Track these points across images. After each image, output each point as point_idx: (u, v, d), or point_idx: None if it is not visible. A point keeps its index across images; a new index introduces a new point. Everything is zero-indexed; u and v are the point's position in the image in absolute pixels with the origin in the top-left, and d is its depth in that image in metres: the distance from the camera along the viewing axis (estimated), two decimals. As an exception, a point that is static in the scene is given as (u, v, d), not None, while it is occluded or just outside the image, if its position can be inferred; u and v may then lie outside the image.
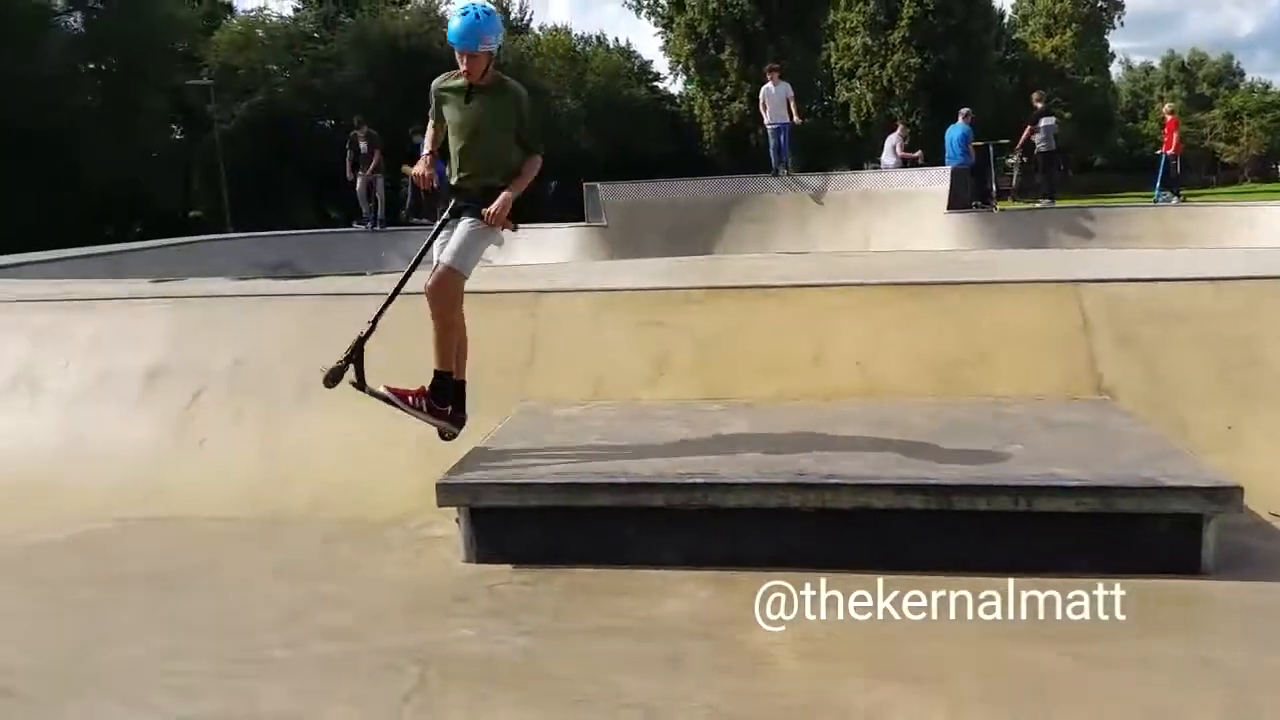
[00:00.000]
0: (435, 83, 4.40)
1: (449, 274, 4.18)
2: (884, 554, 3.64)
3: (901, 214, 15.34)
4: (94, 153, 26.43)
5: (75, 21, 32.55)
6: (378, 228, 16.00)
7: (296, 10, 33.56)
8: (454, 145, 4.32)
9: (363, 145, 15.87)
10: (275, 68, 29.59)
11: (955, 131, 15.87)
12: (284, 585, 3.87)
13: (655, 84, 54.12)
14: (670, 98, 53.60)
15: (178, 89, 31.77)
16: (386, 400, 4.28)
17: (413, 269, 4.30)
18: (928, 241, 13.88)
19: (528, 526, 3.93)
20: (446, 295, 4.21)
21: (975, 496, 3.63)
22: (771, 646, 3.16)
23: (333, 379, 4.24)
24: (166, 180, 29.33)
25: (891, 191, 16.03)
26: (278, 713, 2.91)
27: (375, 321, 4.18)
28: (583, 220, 16.86)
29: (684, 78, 52.43)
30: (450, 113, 4.31)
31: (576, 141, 39.66)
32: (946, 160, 16.03)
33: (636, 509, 3.84)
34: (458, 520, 4.04)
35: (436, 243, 4.31)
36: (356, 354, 4.18)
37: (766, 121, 16.33)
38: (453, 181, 4.35)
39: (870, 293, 5.62)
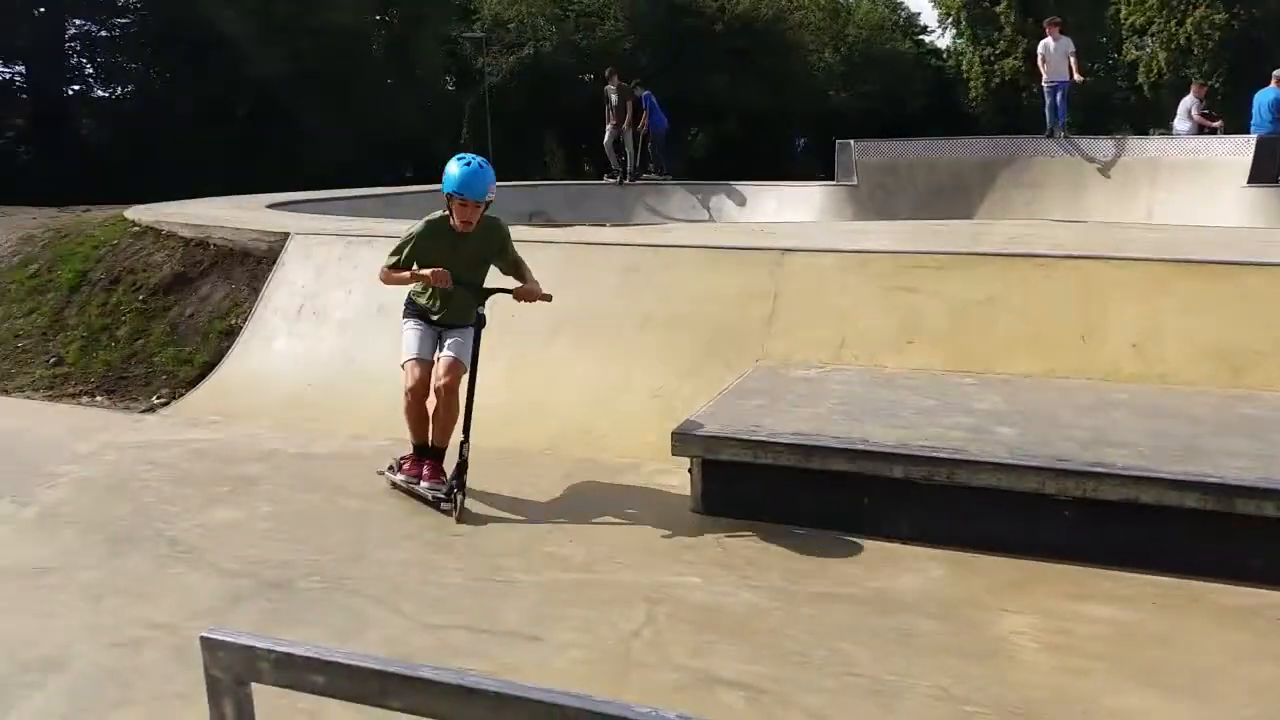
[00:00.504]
0: (421, 229, 4.35)
1: (459, 365, 4.28)
2: (1149, 553, 3.34)
3: (1193, 186, 13.77)
4: (380, 100, 28.70)
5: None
6: (626, 181, 16.28)
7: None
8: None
9: (613, 98, 16.08)
10: (543, 21, 30.70)
11: (1266, 96, 14.02)
12: (524, 510, 4.08)
13: (921, 37, 51.59)
14: (936, 52, 50.91)
15: (452, 40, 33.77)
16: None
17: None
18: (1221, 217, 12.39)
19: (759, 483, 3.91)
20: (459, 383, 4.28)
21: (1262, 500, 3.23)
22: (1012, 635, 2.98)
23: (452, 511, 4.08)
24: (440, 129, 31.31)
25: (1184, 160, 14.39)
26: (517, 631, 3.07)
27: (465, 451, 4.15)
28: (832, 179, 16.41)
29: (953, 31, 49.59)
30: (440, 254, 4.24)
31: (830, 97, 38.65)
32: (1252, 128, 14.23)
33: (874, 478, 3.72)
34: (690, 470, 4.09)
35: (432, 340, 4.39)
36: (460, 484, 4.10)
37: (1044, 79, 15.17)
38: (435, 316, 4.41)
39: (1153, 269, 5.08)
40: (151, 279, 7.22)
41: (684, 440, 3.99)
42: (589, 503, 4.20)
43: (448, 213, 4.28)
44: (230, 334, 6.53)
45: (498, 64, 31.05)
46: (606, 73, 17.00)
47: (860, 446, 3.75)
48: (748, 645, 2.95)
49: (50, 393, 6.37)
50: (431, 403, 4.31)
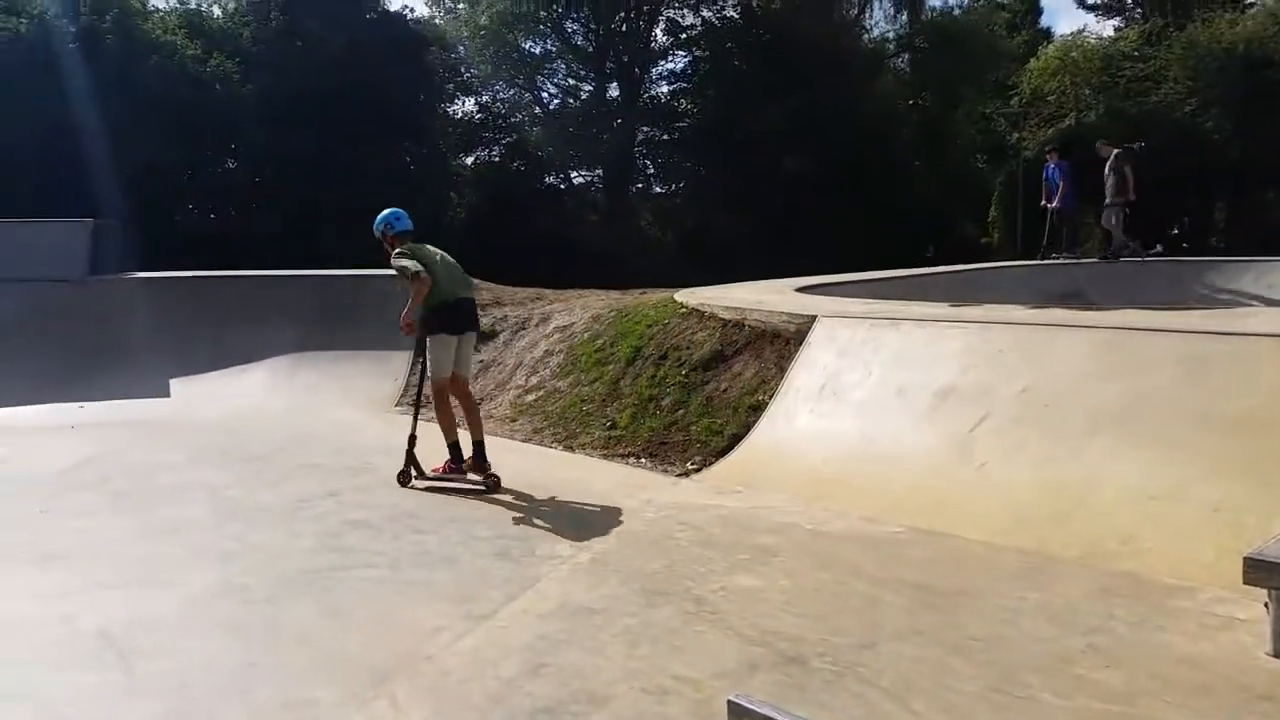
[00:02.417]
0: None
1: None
2: None
3: None
4: (906, 182, 29.18)
5: (902, 62, 36.23)
6: (1064, 256, 14.59)
7: (1118, 30, 32.42)
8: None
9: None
10: (1088, 91, 28.92)
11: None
12: (1051, 627, 3.71)
13: None
14: None
15: (986, 118, 33.20)
16: (437, 479, 6.32)
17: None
18: None
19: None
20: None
21: None
22: None
23: (403, 481, 6.34)
24: (966, 208, 30.87)
25: None
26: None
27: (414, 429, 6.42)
28: None
29: None
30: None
31: None
32: None
33: None
34: (1266, 604, 3.42)
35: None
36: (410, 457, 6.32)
37: None
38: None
39: None
40: (693, 355, 7.97)
41: (1261, 567, 3.34)
42: (1129, 623, 3.69)
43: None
44: (757, 409, 6.94)
45: (1034, 137, 29.82)
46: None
47: None
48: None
49: (605, 451, 7.29)
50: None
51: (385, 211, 6.81)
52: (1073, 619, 3.76)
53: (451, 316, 6.33)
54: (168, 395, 10.32)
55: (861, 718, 3.03)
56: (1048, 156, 14.91)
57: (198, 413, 9.51)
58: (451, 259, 6.60)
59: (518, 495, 6.03)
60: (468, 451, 6.35)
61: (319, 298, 11.51)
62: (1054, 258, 14.94)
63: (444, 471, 6.34)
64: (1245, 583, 3.39)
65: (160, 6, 26.13)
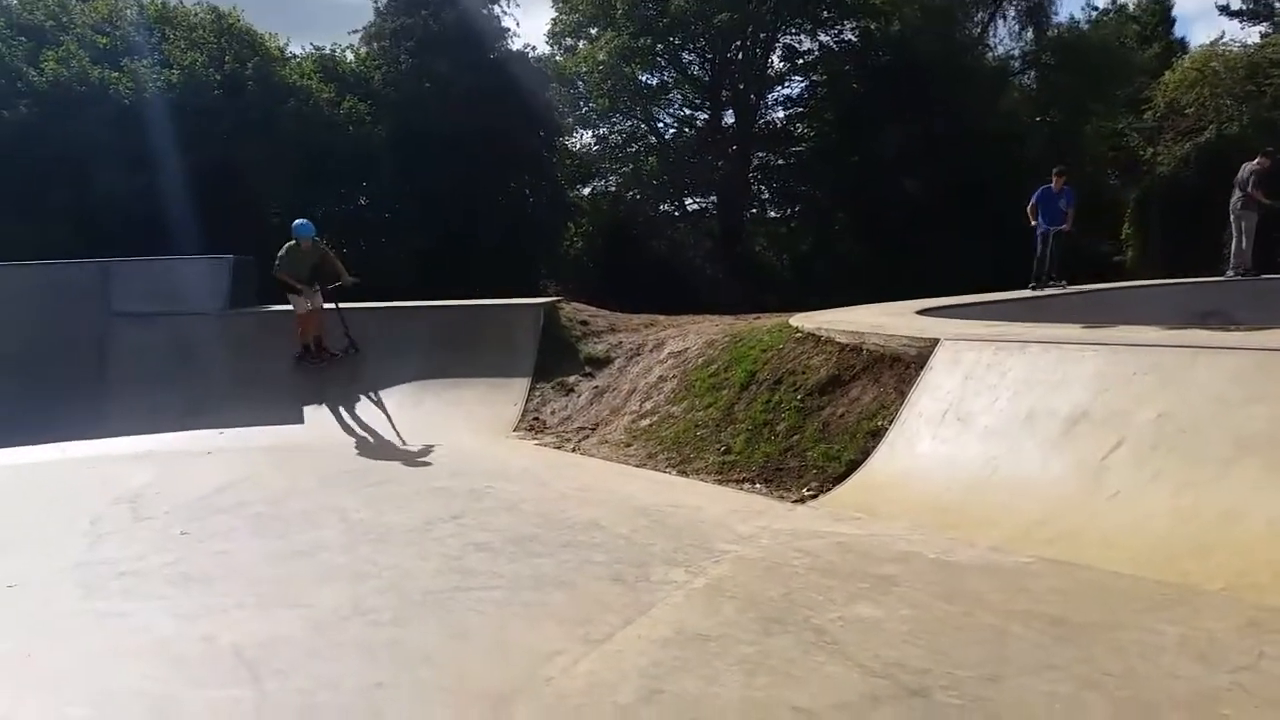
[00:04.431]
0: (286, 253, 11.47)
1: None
2: None
3: None
4: (1023, 200, 28.21)
5: (1028, 79, 35.17)
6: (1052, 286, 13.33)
7: (1264, 36, 30.64)
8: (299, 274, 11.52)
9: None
10: (1229, 102, 27.43)
11: None
12: (1193, 664, 3.50)
13: None
14: None
15: (1118, 134, 31.86)
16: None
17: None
18: None
19: None
20: None
21: None
22: None
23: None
24: (1098, 226, 29.63)
25: None
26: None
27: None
28: None
29: None
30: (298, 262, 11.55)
31: None
32: None
33: None
34: None
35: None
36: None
37: None
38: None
39: None
40: (809, 380, 7.89)
41: None
42: (1281, 663, 3.46)
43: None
44: (876, 435, 6.81)
45: (1169, 152, 28.47)
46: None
47: None
48: None
49: (719, 477, 7.27)
50: None
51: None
52: (1218, 655, 3.54)
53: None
54: (301, 422, 10.80)
55: (987, 754, 2.92)
56: (1055, 178, 13.36)
57: (329, 440, 9.92)
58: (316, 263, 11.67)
59: (632, 520, 6.06)
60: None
61: (442, 328, 11.88)
62: (1050, 285, 13.48)
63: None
64: None
65: (297, 53, 27.60)
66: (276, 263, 11.45)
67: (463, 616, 4.40)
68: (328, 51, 28.27)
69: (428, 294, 15.58)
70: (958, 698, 3.31)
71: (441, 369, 11.12)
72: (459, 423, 10.11)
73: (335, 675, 3.81)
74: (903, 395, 6.95)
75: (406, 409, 10.76)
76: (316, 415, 10.96)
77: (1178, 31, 40.62)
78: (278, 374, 11.61)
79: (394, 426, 10.21)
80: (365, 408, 10.96)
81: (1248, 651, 3.56)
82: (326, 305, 11.88)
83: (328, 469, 8.29)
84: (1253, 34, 32.22)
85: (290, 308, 11.83)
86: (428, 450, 8.91)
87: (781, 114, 35.16)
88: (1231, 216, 14.16)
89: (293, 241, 11.47)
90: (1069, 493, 5.26)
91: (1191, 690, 3.28)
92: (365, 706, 3.52)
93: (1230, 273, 14.60)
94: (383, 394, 11.11)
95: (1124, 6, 38.54)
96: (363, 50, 28.96)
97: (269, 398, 11.08)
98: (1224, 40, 30.96)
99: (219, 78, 22.73)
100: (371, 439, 9.91)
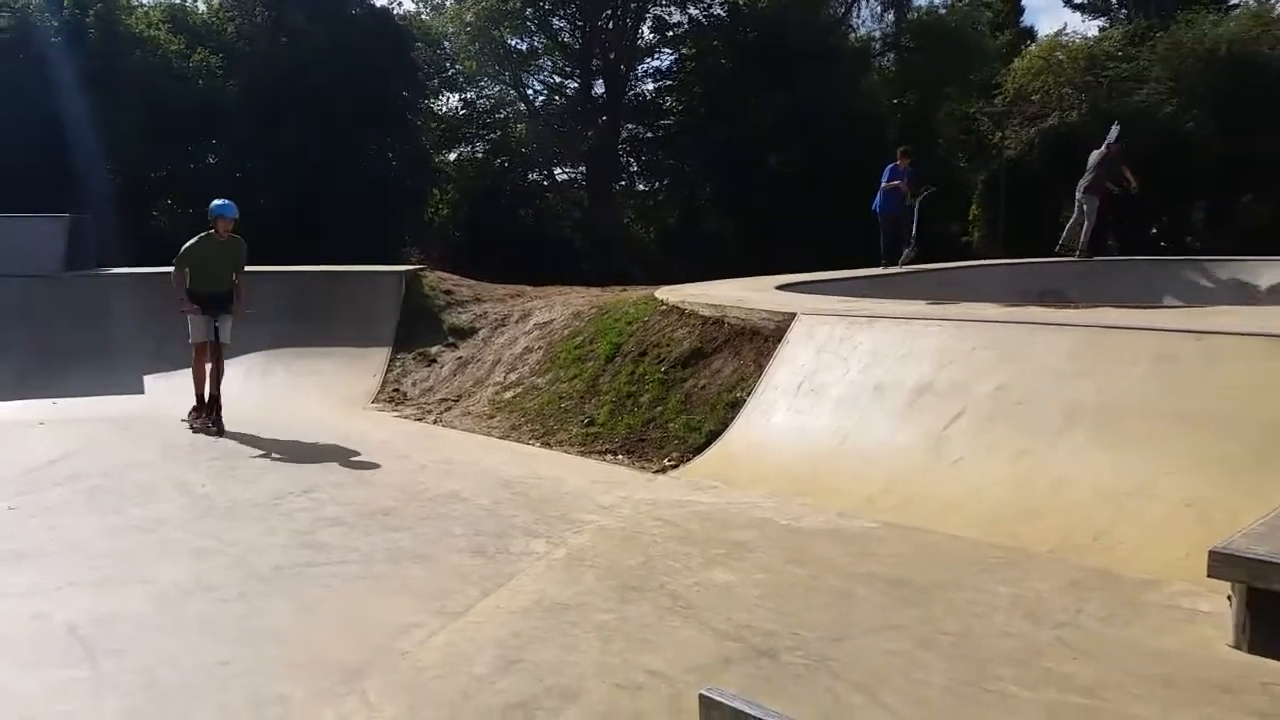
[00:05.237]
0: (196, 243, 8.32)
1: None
2: None
3: None
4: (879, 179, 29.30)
5: (888, 61, 36.29)
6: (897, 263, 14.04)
7: (1102, 30, 32.57)
8: (207, 275, 8.37)
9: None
10: (1070, 91, 29.04)
11: None
12: (1022, 621, 3.73)
13: None
14: None
15: (969, 117, 33.27)
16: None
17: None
18: None
19: (1328, 627, 3.17)
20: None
21: None
22: None
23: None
24: (948, 206, 30.95)
25: None
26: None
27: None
28: None
29: None
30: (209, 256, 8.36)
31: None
32: None
33: None
34: (1229, 598, 3.45)
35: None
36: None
37: None
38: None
39: None
40: (673, 353, 7.98)
41: (1225, 561, 3.37)
42: (1098, 617, 3.72)
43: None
44: (735, 406, 6.95)
45: (1016, 137, 29.97)
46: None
47: None
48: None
49: (582, 448, 7.29)
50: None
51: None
52: (1043, 613, 3.79)
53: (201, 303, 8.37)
54: (142, 392, 10.25)
55: (831, 711, 3.04)
56: (901, 157, 13.77)
57: (171, 410, 9.44)
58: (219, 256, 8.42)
59: (494, 493, 6.02)
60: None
61: (295, 294, 11.43)
62: (905, 257, 14.05)
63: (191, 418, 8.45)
64: (1209, 576, 3.43)
65: (144, 1, 25.91)
66: (178, 257, 8.43)
67: (313, 592, 4.28)
68: (177, 1, 26.65)
69: (282, 259, 14.95)
70: (803, 658, 3.43)
71: (295, 338, 10.73)
72: (313, 394, 9.80)
73: (177, 653, 3.64)
74: (761, 368, 7.11)
75: (255, 379, 10.35)
76: (159, 385, 10.42)
77: (1026, 20, 42.56)
78: (117, 340, 10.95)
79: (243, 397, 9.80)
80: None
81: (1069, 609, 3.82)
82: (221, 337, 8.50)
83: (170, 441, 7.89)
84: (1092, 27, 34.20)
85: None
86: (279, 423, 8.59)
87: (651, 86, 35.22)
88: (1078, 198, 15.00)
89: (205, 233, 8.41)
90: (913, 461, 5.51)
91: (1020, 646, 3.50)
92: (209, 684, 3.38)
93: (1059, 249, 15.45)
94: (231, 363, 10.63)
95: (978, -8, 40.20)
96: (215, 1, 27.42)
97: (108, 366, 10.48)
98: (1067, 32, 32.76)
99: (56, 24, 21.12)
100: (221, 409, 9.47)
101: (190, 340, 8.42)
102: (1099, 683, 3.18)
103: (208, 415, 8.28)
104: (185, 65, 23.85)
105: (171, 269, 8.46)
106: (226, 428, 8.15)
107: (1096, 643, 3.50)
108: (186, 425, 8.33)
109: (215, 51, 24.77)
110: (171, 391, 10.16)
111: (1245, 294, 13.18)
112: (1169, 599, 3.86)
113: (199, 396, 8.44)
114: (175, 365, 10.55)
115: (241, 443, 7.77)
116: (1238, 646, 3.38)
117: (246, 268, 8.76)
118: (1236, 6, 29.60)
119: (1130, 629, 3.62)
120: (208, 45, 24.95)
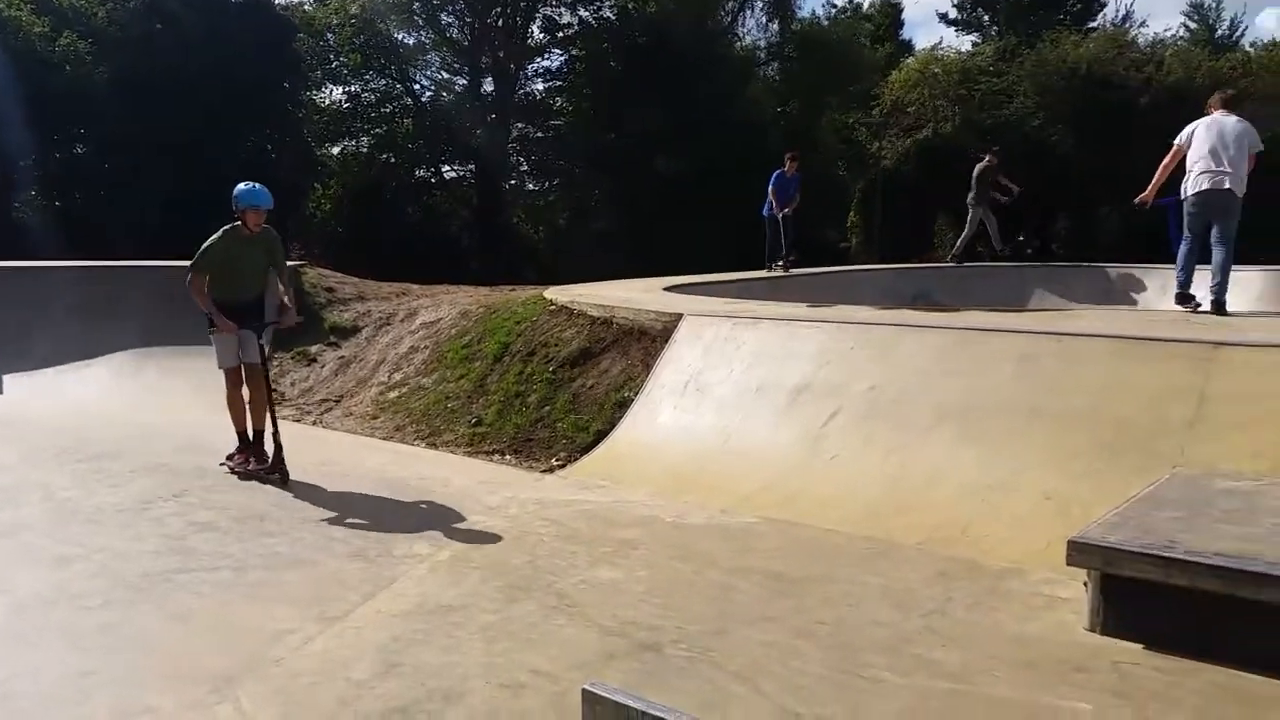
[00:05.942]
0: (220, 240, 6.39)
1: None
2: None
3: None
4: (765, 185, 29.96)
5: (772, 70, 37.03)
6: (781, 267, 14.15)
7: (975, 45, 33.96)
8: (234, 279, 6.44)
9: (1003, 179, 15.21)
10: (944, 103, 30.25)
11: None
12: (892, 611, 3.88)
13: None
14: None
15: (849, 127, 34.26)
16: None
17: None
18: None
19: (1171, 607, 3.40)
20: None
21: None
22: None
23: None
24: (826, 212, 31.81)
25: None
26: (875, 738, 2.90)
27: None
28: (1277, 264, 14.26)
29: None
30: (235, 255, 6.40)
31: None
32: None
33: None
34: (1086, 584, 3.68)
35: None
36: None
37: None
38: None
39: None
40: (561, 352, 7.98)
41: (1082, 550, 3.59)
42: (964, 605, 3.91)
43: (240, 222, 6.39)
44: (623, 406, 7.00)
45: (893, 147, 31.00)
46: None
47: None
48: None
49: (469, 448, 7.22)
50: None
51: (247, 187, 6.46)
52: (913, 602, 3.95)
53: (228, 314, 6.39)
54: (1, 392, 9.66)
55: (713, 700, 3.11)
56: (789, 162, 13.90)
57: (33, 411, 8.93)
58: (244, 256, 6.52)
59: (377, 495, 5.91)
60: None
61: (166, 290, 10.94)
62: (783, 264, 14.09)
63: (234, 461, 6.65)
64: (1068, 564, 3.64)
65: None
66: (196, 259, 6.44)
67: (184, 600, 4.13)
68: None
69: (154, 253, 14.32)
70: (686, 650, 3.49)
71: (167, 335, 10.25)
72: (185, 394, 9.39)
73: (36, 663, 3.47)
74: (648, 368, 7.18)
75: (126, 378, 9.88)
76: (19, 384, 9.84)
77: (905, 34, 44.04)
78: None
79: (110, 398, 9.35)
80: (75, 377, 9.95)
81: (937, 598, 3.99)
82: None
83: (31, 443, 7.47)
84: (965, 43, 35.65)
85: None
86: (148, 423, 8.22)
87: (541, 86, 35.05)
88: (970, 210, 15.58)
89: (230, 225, 6.50)
90: (793, 458, 5.66)
91: (890, 634, 3.64)
92: (71, 695, 3.23)
93: (950, 259, 16.09)
94: (98, 361, 10.14)
95: (860, 6, 41.42)
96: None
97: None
98: (942, 46, 34.03)
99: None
100: (83, 411, 8.99)
101: (218, 366, 6.62)
102: (965, 667, 3.34)
103: (255, 457, 6.52)
104: (50, 49, 22.56)
105: (188, 274, 6.49)
106: (99, 422, 7.57)
107: (963, 629, 3.68)
108: (226, 470, 6.56)
109: (84, 36, 23.51)
110: (34, 392, 9.63)
111: (1109, 298, 14.03)
112: (1031, 587, 4.08)
113: (240, 435, 6.65)
114: (38, 364, 10.02)
115: (106, 445, 7.41)
116: (1093, 629, 3.60)
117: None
118: (1095, 28, 31.34)
119: (995, 616, 3.80)
120: (75, 29, 23.66)
